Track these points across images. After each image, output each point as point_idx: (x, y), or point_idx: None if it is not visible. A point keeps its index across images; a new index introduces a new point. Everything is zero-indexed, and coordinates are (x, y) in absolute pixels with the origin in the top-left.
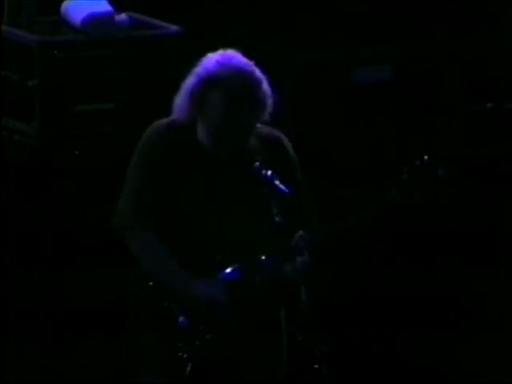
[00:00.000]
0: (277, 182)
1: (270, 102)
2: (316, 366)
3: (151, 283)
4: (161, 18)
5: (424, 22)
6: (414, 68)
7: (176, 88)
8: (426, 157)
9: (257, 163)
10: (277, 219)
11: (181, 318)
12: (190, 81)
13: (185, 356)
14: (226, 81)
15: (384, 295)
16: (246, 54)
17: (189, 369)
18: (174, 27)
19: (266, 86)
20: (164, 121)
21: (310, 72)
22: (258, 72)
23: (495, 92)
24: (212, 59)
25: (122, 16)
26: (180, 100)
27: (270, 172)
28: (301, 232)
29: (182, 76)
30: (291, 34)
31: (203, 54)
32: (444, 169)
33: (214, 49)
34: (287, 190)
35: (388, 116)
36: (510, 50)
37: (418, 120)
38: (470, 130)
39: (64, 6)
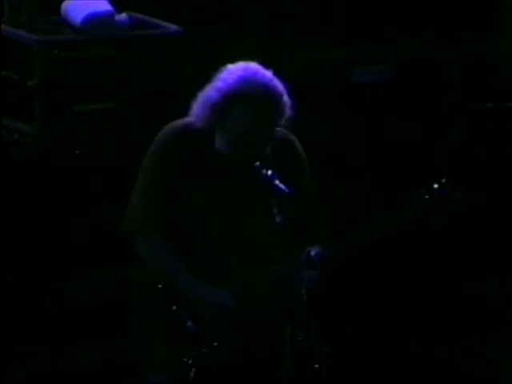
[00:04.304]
0: (277, 182)
1: (288, 111)
2: (316, 365)
3: (160, 286)
4: (161, 18)
5: (424, 22)
6: (414, 68)
7: (176, 88)
8: (443, 180)
9: (257, 163)
10: (277, 219)
11: (189, 323)
12: (210, 94)
13: (190, 362)
14: (251, 98)
15: (384, 295)
16: (245, 54)
17: (192, 374)
18: (174, 27)
19: (286, 97)
20: (178, 123)
21: (310, 72)
22: (279, 86)
23: (495, 92)
24: (234, 74)
25: (122, 16)
26: (199, 111)
27: (270, 171)
28: (312, 244)
29: (183, 76)
30: (291, 33)
31: (203, 54)
32: (460, 192)
33: (214, 49)
34: (287, 190)
35: (388, 116)
36: (510, 50)
37: (418, 120)
38: (470, 129)
39: (64, 5)
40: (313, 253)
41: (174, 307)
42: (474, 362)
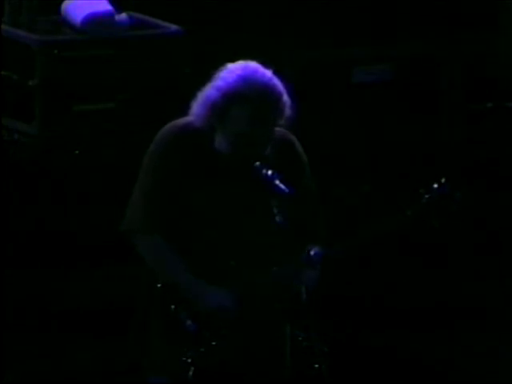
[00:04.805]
0: (277, 182)
1: (288, 111)
2: (316, 365)
3: (159, 285)
4: (161, 18)
5: (424, 21)
6: (414, 68)
7: (175, 88)
8: (443, 180)
9: (257, 163)
10: (277, 219)
11: (188, 322)
12: (210, 93)
13: (188, 361)
14: (250, 97)
15: (384, 295)
16: (245, 53)
17: (191, 373)
18: (174, 27)
19: (285, 97)
20: (178, 123)
21: (310, 72)
22: (279, 85)
23: (495, 92)
24: (233, 73)
25: (122, 16)
26: (199, 110)
27: (270, 171)
28: (312, 244)
29: (183, 76)
30: (291, 33)
31: (203, 54)
32: (460, 192)
33: (214, 49)
34: (287, 190)
35: (388, 116)
36: (510, 50)
37: (418, 120)
38: (470, 129)
39: (64, 5)
40: (313, 253)
41: (174, 307)
42: (473, 361)
